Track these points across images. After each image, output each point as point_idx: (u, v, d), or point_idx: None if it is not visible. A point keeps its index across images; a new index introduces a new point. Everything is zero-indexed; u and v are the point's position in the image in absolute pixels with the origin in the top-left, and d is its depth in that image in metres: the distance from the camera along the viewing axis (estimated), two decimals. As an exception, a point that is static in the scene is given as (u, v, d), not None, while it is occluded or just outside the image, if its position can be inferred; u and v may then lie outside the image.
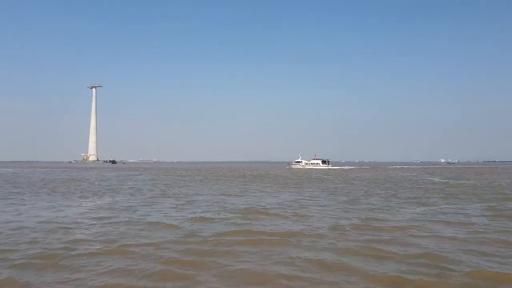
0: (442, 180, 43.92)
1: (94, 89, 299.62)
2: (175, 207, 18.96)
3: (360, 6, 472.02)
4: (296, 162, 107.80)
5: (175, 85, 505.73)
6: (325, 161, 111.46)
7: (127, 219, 15.13)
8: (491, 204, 19.93)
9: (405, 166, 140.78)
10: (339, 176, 55.10)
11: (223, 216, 15.62)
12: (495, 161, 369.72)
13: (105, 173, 67.13)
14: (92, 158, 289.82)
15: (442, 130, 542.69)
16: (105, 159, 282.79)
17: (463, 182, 40.85)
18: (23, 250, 10.13)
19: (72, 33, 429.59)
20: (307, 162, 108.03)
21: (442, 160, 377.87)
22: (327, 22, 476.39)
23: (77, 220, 14.95)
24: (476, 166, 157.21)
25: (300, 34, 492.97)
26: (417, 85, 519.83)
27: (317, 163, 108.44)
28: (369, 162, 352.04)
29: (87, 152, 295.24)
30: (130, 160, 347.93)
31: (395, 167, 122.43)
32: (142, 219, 15.10)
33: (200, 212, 16.73)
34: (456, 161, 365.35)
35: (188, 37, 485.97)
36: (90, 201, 21.88)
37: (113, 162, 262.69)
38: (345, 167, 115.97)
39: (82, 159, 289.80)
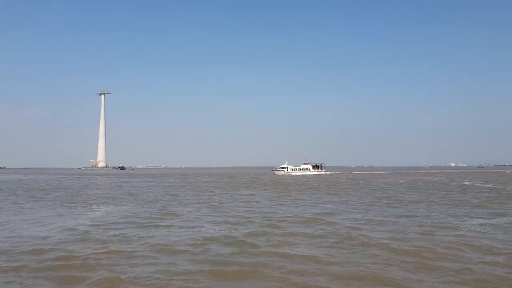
0: (489, 186, 42.10)
1: (102, 96, 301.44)
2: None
3: (362, 11, 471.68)
4: (281, 168, 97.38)
5: (183, 91, 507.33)
6: (317, 166, 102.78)
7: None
8: None
9: (418, 171, 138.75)
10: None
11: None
12: (505, 165, 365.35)
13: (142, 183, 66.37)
14: (101, 164, 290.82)
15: (450, 134, 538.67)
16: (114, 165, 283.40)
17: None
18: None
19: (80, 41, 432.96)
20: (294, 167, 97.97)
21: (452, 164, 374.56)
22: (328, 26, 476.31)
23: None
24: (505, 170, 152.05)
25: (302, 39, 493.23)
26: (425, 89, 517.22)
27: (306, 169, 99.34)
28: (378, 167, 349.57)
29: (96, 158, 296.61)
30: (139, 166, 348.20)
31: (410, 172, 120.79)
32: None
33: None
34: (465, 165, 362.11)
35: (195, 43, 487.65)
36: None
37: (122, 168, 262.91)
38: (335, 172, 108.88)
39: (92, 166, 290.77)
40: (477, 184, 46.65)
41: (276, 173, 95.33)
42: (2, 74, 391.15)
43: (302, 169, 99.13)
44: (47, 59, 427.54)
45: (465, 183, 49.41)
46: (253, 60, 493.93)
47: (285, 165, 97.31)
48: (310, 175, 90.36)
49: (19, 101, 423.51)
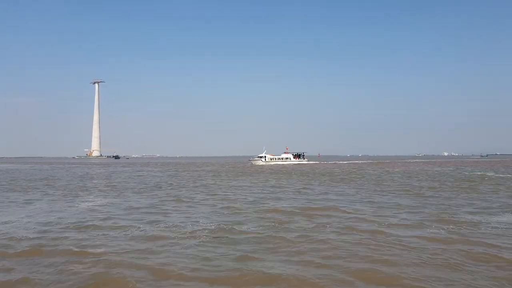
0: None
1: (96, 85, 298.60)
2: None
3: (364, 1, 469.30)
4: (259, 157, 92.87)
5: (177, 81, 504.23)
6: (298, 155, 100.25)
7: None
8: None
9: (413, 160, 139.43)
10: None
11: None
12: (497, 154, 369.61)
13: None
14: (95, 153, 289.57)
15: (442, 124, 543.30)
16: (108, 154, 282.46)
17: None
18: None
19: (74, 29, 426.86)
20: (273, 156, 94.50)
21: (445, 154, 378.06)
22: (330, 18, 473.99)
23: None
24: (504, 160, 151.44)
25: (303, 30, 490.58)
26: (418, 80, 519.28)
27: (287, 158, 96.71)
28: (373, 156, 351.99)
29: (90, 147, 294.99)
30: (133, 156, 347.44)
31: (409, 161, 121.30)
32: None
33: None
34: (457, 154, 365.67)
35: (190, 33, 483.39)
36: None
37: (117, 157, 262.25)
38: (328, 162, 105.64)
39: (86, 155, 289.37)
40: (477, 173, 46.83)
41: (254, 162, 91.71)
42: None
43: (282, 158, 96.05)
44: (40, 48, 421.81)
45: (478, 173, 49.65)
46: (249, 50, 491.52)
47: (263, 154, 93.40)
48: (289, 164, 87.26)
49: (13, 91, 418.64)
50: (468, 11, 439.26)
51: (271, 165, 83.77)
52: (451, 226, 12.82)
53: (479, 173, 47.16)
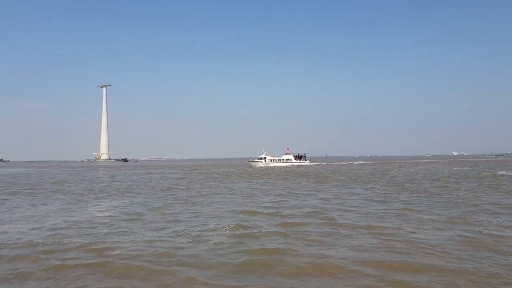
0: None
1: (104, 88, 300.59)
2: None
3: (361, 1, 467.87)
4: (259, 158, 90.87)
5: (185, 83, 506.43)
6: (300, 156, 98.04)
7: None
8: None
9: (421, 160, 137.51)
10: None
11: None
12: (507, 153, 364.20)
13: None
14: (104, 156, 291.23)
15: (451, 124, 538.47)
16: (117, 158, 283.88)
17: None
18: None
19: (82, 33, 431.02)
20: (273, 158, 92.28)
21: (455, 153, 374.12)
22: (333, 18, 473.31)
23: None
24: None
25: (307, 30, 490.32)
26: (424, 79, 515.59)
27: (287, 159, 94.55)
28: (381, 157, 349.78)
29: (99, 151, 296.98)
30: (141, 158, 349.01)
31: (420, 161, 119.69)
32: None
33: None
34: (466, 154, 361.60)
35: (198, 34, 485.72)
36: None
37: (125, 160, 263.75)
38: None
39: (95, 158, 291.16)
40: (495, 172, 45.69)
41: (253, 164, 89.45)
42: (4, 68, 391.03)
43: (283, 159, 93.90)
44: (48, 52, 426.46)
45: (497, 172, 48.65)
46: (253, 51, 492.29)
47: (263, 156, 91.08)
48: (290, 166, 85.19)
49: (22, 95, 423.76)
50: (476, 6, 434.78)
51: (271, 167, 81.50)
52: None
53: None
